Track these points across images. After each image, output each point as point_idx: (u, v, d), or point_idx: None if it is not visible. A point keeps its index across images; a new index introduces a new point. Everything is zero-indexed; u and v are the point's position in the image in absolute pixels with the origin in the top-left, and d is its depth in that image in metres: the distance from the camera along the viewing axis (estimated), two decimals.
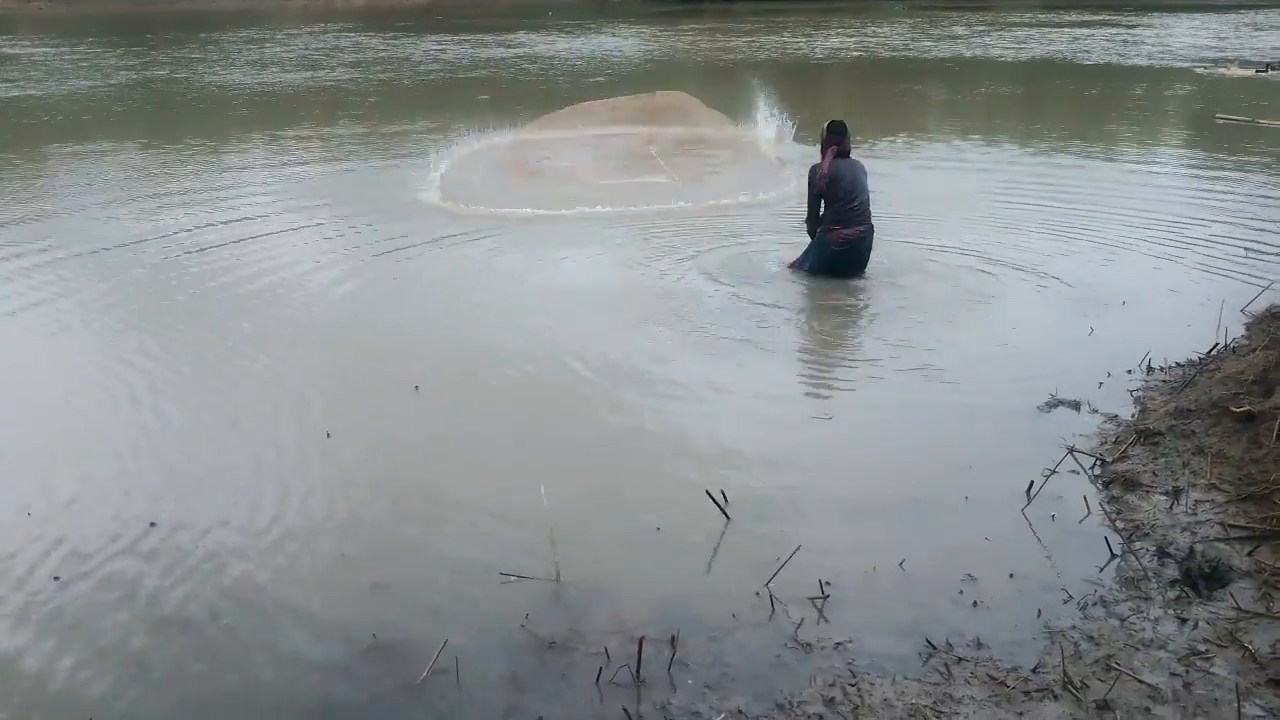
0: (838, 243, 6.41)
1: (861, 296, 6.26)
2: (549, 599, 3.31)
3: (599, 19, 32.99)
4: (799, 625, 3.15)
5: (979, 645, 3.03)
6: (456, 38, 25.34)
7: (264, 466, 4.16)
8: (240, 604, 3.31)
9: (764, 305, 6.11)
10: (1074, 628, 3.09)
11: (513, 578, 3.37)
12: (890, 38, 26.31)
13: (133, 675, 3.00)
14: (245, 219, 8.37)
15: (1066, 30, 27.29)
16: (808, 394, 5.07)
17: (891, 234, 7.13)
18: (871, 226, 6.51)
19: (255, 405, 4.78)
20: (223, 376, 5.15)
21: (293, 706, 2.87)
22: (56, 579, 3.41)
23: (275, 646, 3.13)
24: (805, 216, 6.68)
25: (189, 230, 8.01)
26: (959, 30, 27.36)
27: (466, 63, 20.47)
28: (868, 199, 6.47)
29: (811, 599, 3.27)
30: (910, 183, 9.65)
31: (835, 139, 6.42)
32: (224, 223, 8.25)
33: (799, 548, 3.40)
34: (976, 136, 13.15)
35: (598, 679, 2.91)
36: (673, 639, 3.05)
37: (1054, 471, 3.98)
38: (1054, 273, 6.71)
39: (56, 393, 4.94)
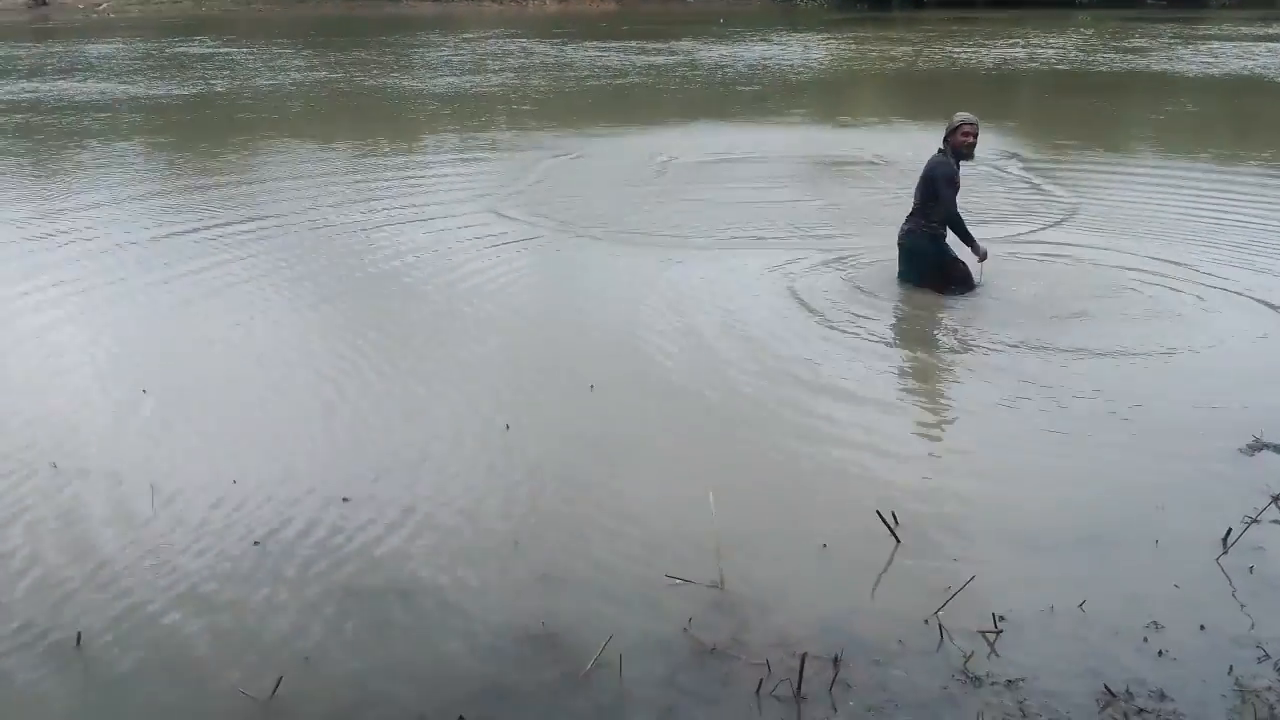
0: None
1: (1046, 318, 5.97)
2: (712, 605, 3.33)
3: (773, 27, 32.75)
4: (968, 658, 3.07)
5: (1162, 697, 2.88)
6: (620, 44, 25.70)
7: (448, 453, 4.36)
8: (419, 582, 3.49)
9: (939, 323, 5.95)
10: (1269, 688, 2.90)
11: (678, 581, 3.41)
12: (1079, 49, 25.02)
13: (319, 640, 3.21)
14: (420, 213, 8.67)
15: (1264, 44, 25.23)
16: (985, 418, 4.84)
17: (1082, 251, 6.81)
18: (913, 228, 6.24)
19: (440, 393, 5.01)
20: (410, 364, 5.42)
21: (463, 684, 3.00)
22: (256, 544, 3.68)
23: (449, 625, 3.29)
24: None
25: (372, 221, 8.40)
26: (1140, 43, 25.73)
27: (623, 69, 20.70)
28: (918, 204, 6.22)
29: (983, 632, 3.17)
30: (1104, 199, 9.15)
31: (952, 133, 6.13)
32: (403, 216, 8.59)
33: (972, 578, 3.30)
34: (1171, 152, 12.31)
35: (758, 690, 2.92)
36: (836, 659, 3.02)
37: (1255, 520, 3.71)
38: (1271, 300, 6.25)
39: (259, 371, 5.30)
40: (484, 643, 3.20)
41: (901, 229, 6.34)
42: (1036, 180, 9.91)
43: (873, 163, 10.73)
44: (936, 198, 6.09)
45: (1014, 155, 11.00)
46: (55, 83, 18.61)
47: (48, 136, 13.06)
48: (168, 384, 5.05)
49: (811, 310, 6.07)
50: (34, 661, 3.09)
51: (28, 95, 16.76)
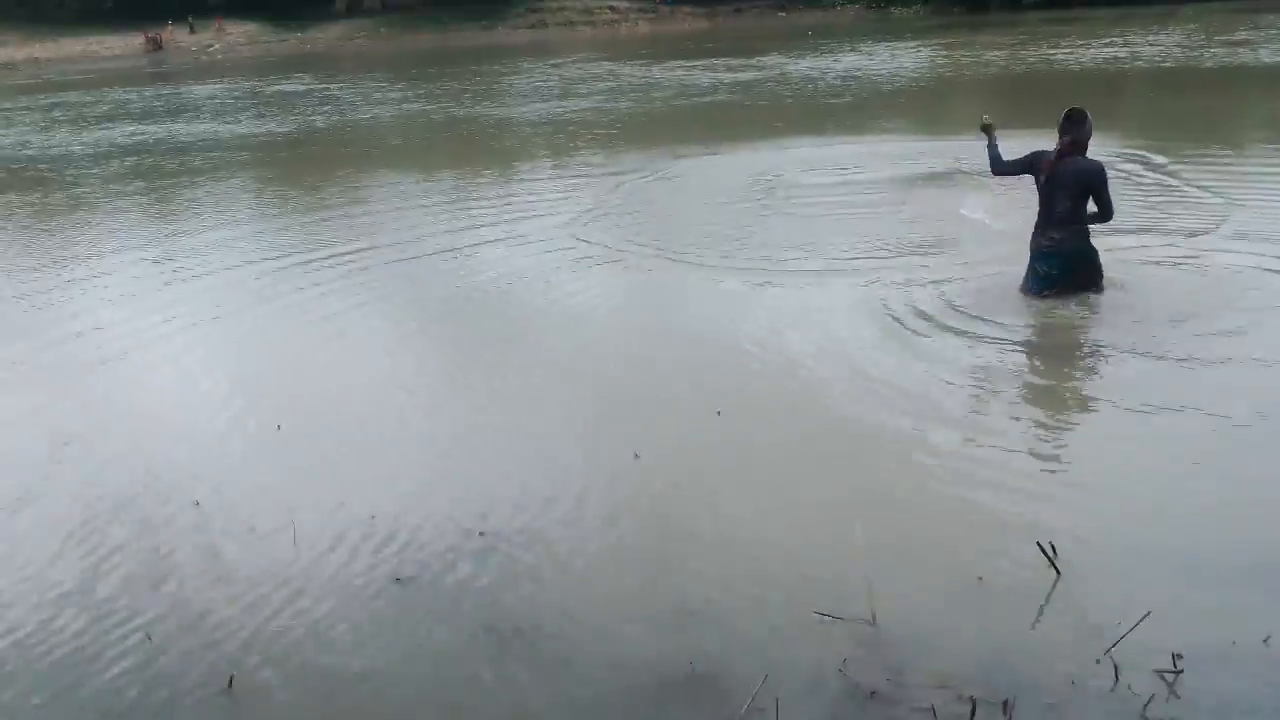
0: (1034, 256, 6.05)
1: (1197, 330, 5.59)
2: (866, 643, 3.20)
3: (867, 36, 32.34)
4: (1148, 701, 2.87)
5: None
6: (707, 62, 25.63)
7: (579, 484, 4.29)
8: (561, 619, 3.43)
9: (1073, 338, 5.68)
10: None
11: (828, 617, 3.29)
12: (1182, 45, 23.99)
13: (463, 682, 3.18)
14: (521, 238, 8.67)
15: None
16: (1137, 440, 4.54)
17: (1230, 258, 6.48)
18: (1076, 232, 5.95)
19: (564, 422, 4.95)
20: (530, 392, 5.39)
21: None
22: (397, 581, 3.68)
23: (594, 664, 3.22)
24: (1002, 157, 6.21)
25: (470, 248, 8.42)
26: (1245, 35, 24.52)
27: (706, 86, 20.62)
28: (1071, 206, 5.89)
29: (1160, 671, 2.97)
30: (1250, 202, 8.58)
31: (1067, 129, 5.83)
32: (502, 241, 8.59)
33: (1148, 614, 3.09)
34: None
35: None
36: (1006, 703, 2.86)
37: None
38: None
39: (384, 403, 5.34)
40: (631, 682, 3.12)
41: (1049, 237, 5.98)
42: (1175, 183, 9.38)
43: (976, 174, 10.36)
44: (1101, 198, 5.91)
45: (1141, 157, 10.50)
46: (165, 124, 19.43)
47: (159, 176, 13.59)
48: (300, 418, 5.11)
49: (934, 331, 5.79)
50: (189, 705, 3.12)
51: (139, 138, 17.49)
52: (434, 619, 3.48)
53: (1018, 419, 4.75)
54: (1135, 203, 8.51)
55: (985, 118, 6.33)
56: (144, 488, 4.46)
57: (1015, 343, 5.62)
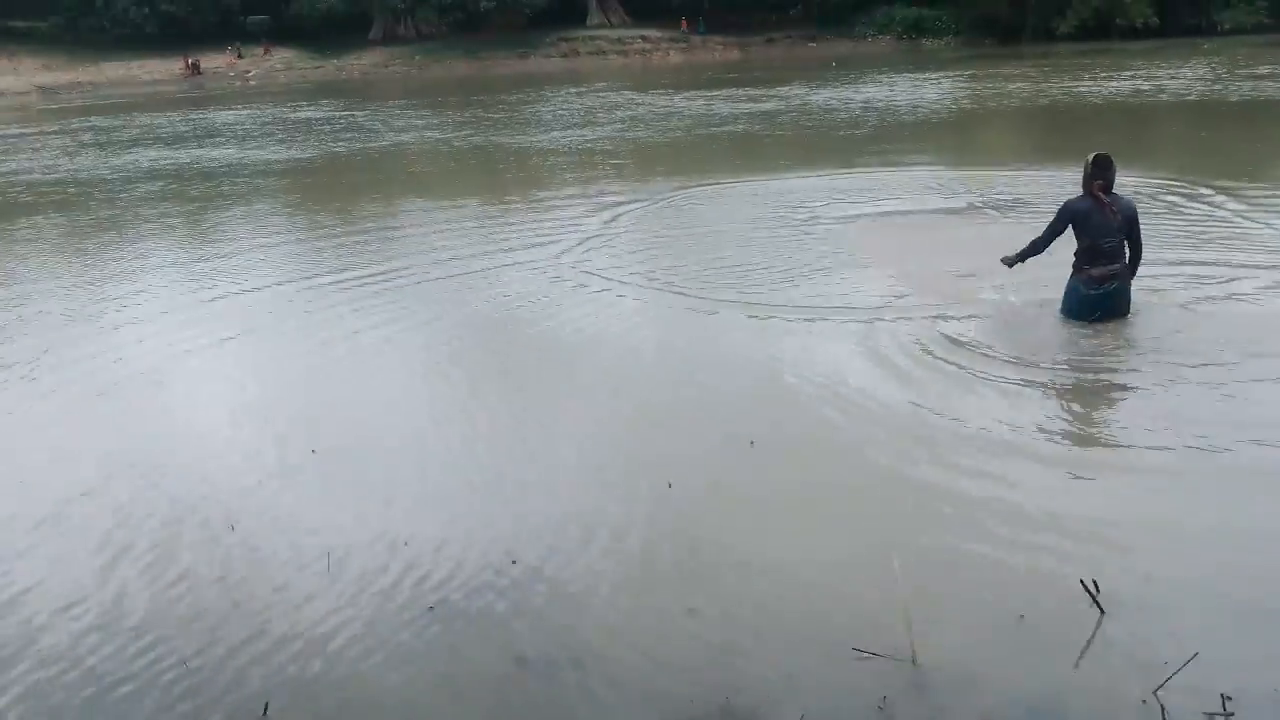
0: (1088, 284, 6.15)
1: (1247, 361, 5.52)
2: (906, 683, 3.15)
3: (897, 67, 32.43)
4: None
5: None
6: (729, 93, 25.76)
7: (612, 514, 4.26)
8: (592, 651, 3.40)
9: (1118, 369, 5.62)
10: None
11: (866, 654, 3.24)
12: (1207, 80, 23.92)
13: (493, 708, 3.17)
14: (540, 266, 8.61)
15: None
16: (1185, 474, 4.46)
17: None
18: (1125, 267, 6.19)
19: (597, 451, 4.93)
20: (562, 420, 5.37)
21: None
22: (431, 609, 3.66)
23: (628, 697, 3.19)
24: (1034, 239, 6.40)
25: (487, 274, 8.39)
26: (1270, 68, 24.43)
27: (725, 116, 20.69)
28: (1122, 239, 6.14)
29: (1210, 715, 2.91)
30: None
31: (1101, 174, 6.06)
32: (516, 268, 8.55)
33: (1196, 654, 3.04)
34: None
35: None
36: None
37: None
38: None
39: (416, 428, 5.34)
40: (666, 717, 3.09)
41: (1101, 270, 6.09)
42: (1223, 214, 9.28)
43: (1007, 207, 10.31)
44: (1138, 236, 6.23)
45: (1183, 189, 10.41)
46: (191, 149, 19.67)
47: (186, 201, 13.71)
48: (333, 441, 5.12)
49: (969, 364, 5.73)
50: None
51: (167, 162, 17.68)
52: (467, 648, 3.46)
53: (1058, 454, 4.68)
54: (1179, 233, 8.48)
55: (1004, 261, 6.56)
56: (180, 513, 4.46)
57: (1054, 377, 5.56)
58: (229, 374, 6.34)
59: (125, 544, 4.21)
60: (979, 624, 3.42)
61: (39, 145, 21.98)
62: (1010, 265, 6.54)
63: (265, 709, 3.17)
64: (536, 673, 3.32)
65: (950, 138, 17.31)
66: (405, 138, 19.92)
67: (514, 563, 3.90)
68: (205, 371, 6.39)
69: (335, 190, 14.46)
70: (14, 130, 26.51)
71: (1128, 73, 25.48)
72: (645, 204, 11.37)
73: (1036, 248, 6.39)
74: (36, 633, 3.65)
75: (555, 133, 19.33)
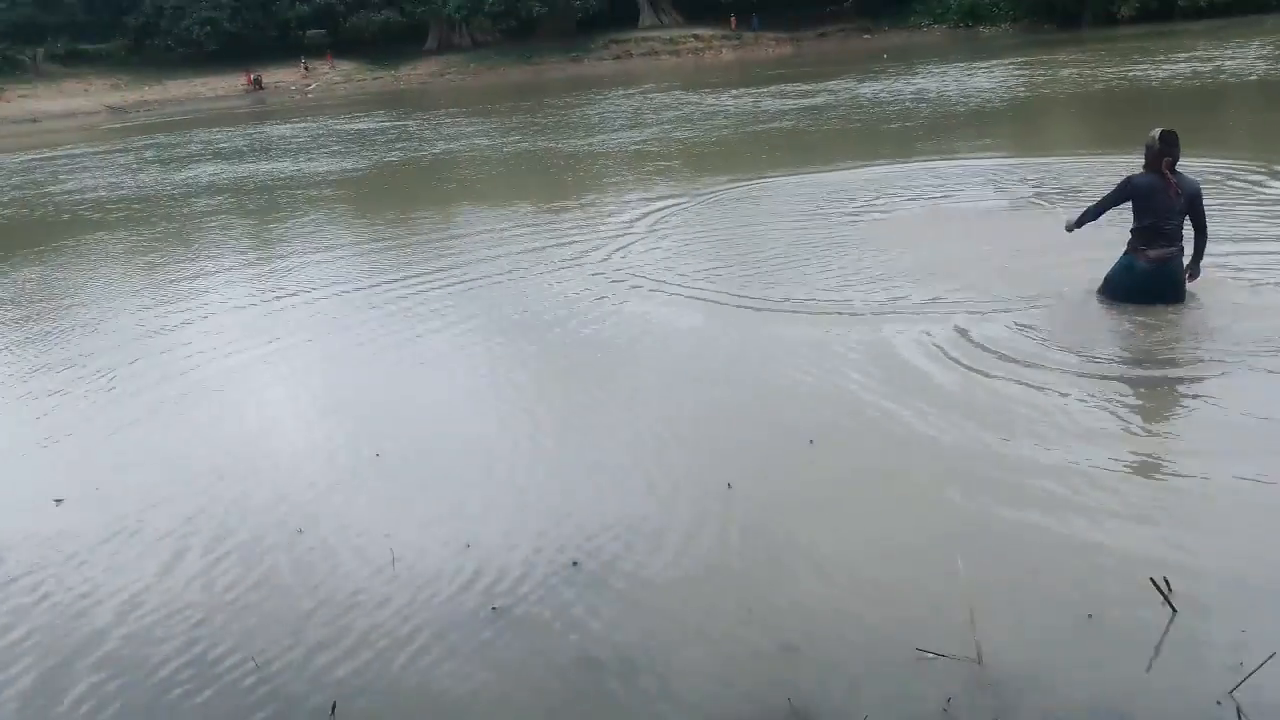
0: (1146, 263, 6.02)
1: None
2: (972, 683, 3.11)
3: (951, 57, 31.98)
4: None
5: None
6: (778, 89, 25.62)
7: (672, 514, 4.27)
8: (653, 652, 3.41)
9: (1183, 359, 5.48)
10: None
11: (930, 654, 3.21)
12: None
13: (557, 708, 3.19)
14: (591, 267, 8.66)
15: None
16: (1256, 465, 4.29)
17: None
18: (1181, 249, 6.07)
19: (656, 451, 4.92)
20: (620, 419, 5.39)
21: None
22: (494, 609, 3.70)
23: (690, 698, 3.19)
24: (1089, 206, 6.37)
25: (535, 275, 8.44)
26: None
27: (774, 112, 20.56)
28: (1182, 221, 6.01)
29: None
30: None
31: (1168, 149, 5.92)
32: (566, 269, 8.57)
33: (1273, 655, 2.95)
34: None
35: None
36: None
37: None
38: None
39: (477, 430, 5.41)
40: (728, 717, 3.09)
41: (1160, 251, 5.98)
42: None
43: (1064, 196, 10.10)
44: (1202, 214, 6.11)
45: (1258, 170, 10.14)
46: (250, 164, 20.14)
47: (245, 214, 14.06)
48: (396, 444, 5.20)
49: (1028, 358, 5.63)
50: None
51: (226, 177, 18.11)
52: (530, 648, 3.49)
53: (1123, 447, 4.58)
54: (1251, 216, 8.29)
55: (1066, 227, 6.59)
56: (248, 514, 4.57)
57: (1118, 370, 5.45)
58: (294, 378, 6.50)
59: (197, 546, 4.32)
60: (1045, 622, 3.36)
61: (104, 163, 22.67)
62: (1070, 230, 6.53)
63: (333, 709, 3.24)
64: (601, 674, 3.34)
65: (1004, 126, 17.03)
66: (455, 145, 20.16)
67: (575, 563, 3.93)
68: (271, 376, 6.56)
69: (389, 199, 14.70)
70: (80, 149, 27.39)
71: (1186, 54, 24.83)
72: (692, 202, 11.40)
73: (1092, 213, 6.34)
74: (113, 630, 3.76)
75: (602, 135, 19.41)
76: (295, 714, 3.26)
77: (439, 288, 8.36)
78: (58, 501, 4.88)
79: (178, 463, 5.24)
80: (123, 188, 17.85)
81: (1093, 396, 5.11)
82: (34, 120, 43.55)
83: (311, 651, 3.54)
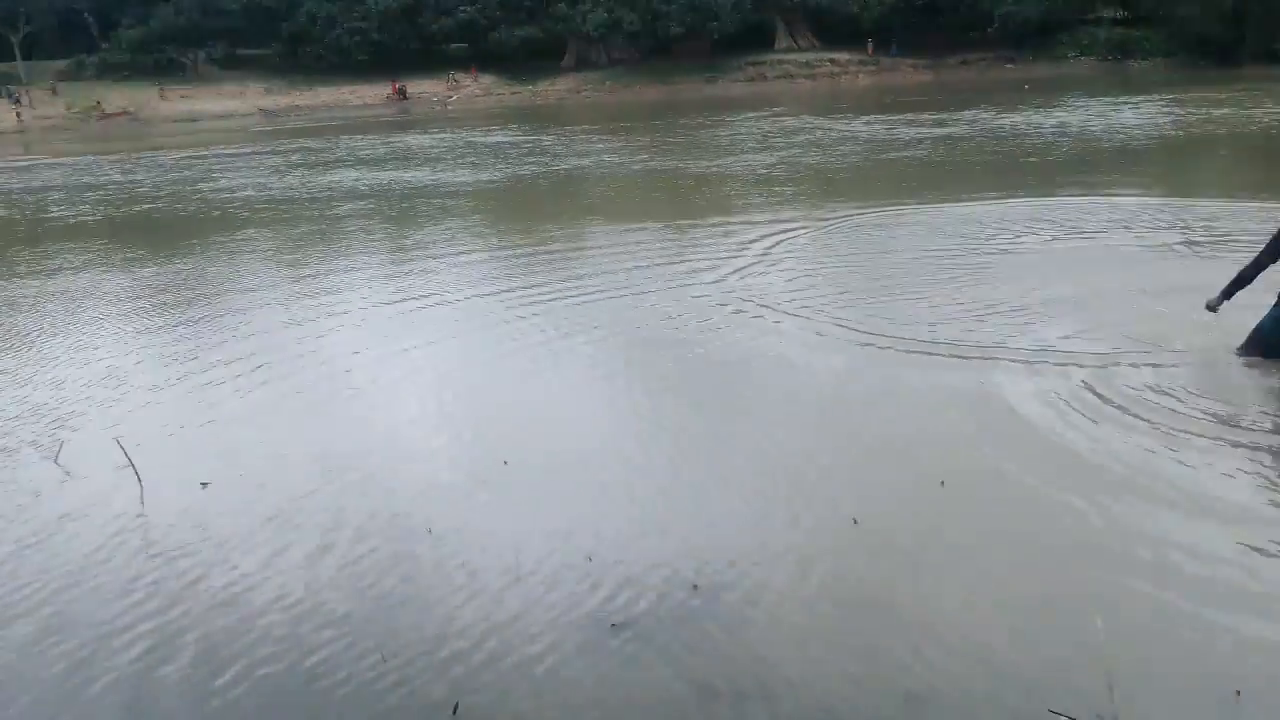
0: None
1: None
2: None
3: (1099, 92, 30.92)
4: None
5: None
6: (907, 116, 25.18)
7: (796, 545, 4.23)
8: (774, 683, 3.38)
9: None
10: None
11: (1063, 717, 3.08)
12: None
13: None
14: (722, 288, 8.62)
15: None
16: None
17: None
18: None
19: (782, 479, 4.88)
20: (745, 445, 5.36)
21: None
22: (613, 626, 3.73)
23: None
24: (1241, 271, 5.95)
25: (654, 294, 8.44)
26: None
27: (906, 140, 20.20)
28: None
29: None
30: None
31: None
32: (692, 290, 8.52)
33: None
34: None
35: None
36: None
37: None
38: None
39: (600, 445, 5.47)
40: None
41: None
42: None
43: (1212, 242, 9.58)
44: None
45: None
46: (390, 171, 20.88)
47: (385, 219, 14.56)
48: (523, 453, 5.31)
49: (1172, 414, 5.36)
50: None
51: (367, 183, 18.79)
52: (647, 668, 3.50)
53: (1273, 517, 4.32)
54: None
55: (1208, 306, 6.16)
56: (383, 513, 4.72)
57: (1262, 432, 5.14)
58: (427, 381, 6.68)
59: (335, 543, 4.47)
60: (1189, 696, 3.19)
61: (255, 164, 23.84)
62: (1214, 309, 6.07)
63: (455, 709, 3.31)
64: (715, 700, 3.32)
65: (1150, 165, 16.37)
66: (585, 162, 20.50)
67: (695, 586, 3.93)
68: (407, 376, 6.76)
69: (520, 211, 15.05)
70: (231, 150, 28.88)
71: None
72: (816, 230, 11.32)
73: (1244, 279, 5.95)
74: (255, 620, 3.91)
75: (730, 157, 19.43)
76: (420, 709, 3.35)
77: (562, 300, 8.51)
78: (204, 485, 5.13)
79: (322, 458, 5.42)
80: (270, 189, 18.73)
81: (1241, 460, 4.81)
82: (193, 120, 46.31)
83: (437, 651, 3.62)
